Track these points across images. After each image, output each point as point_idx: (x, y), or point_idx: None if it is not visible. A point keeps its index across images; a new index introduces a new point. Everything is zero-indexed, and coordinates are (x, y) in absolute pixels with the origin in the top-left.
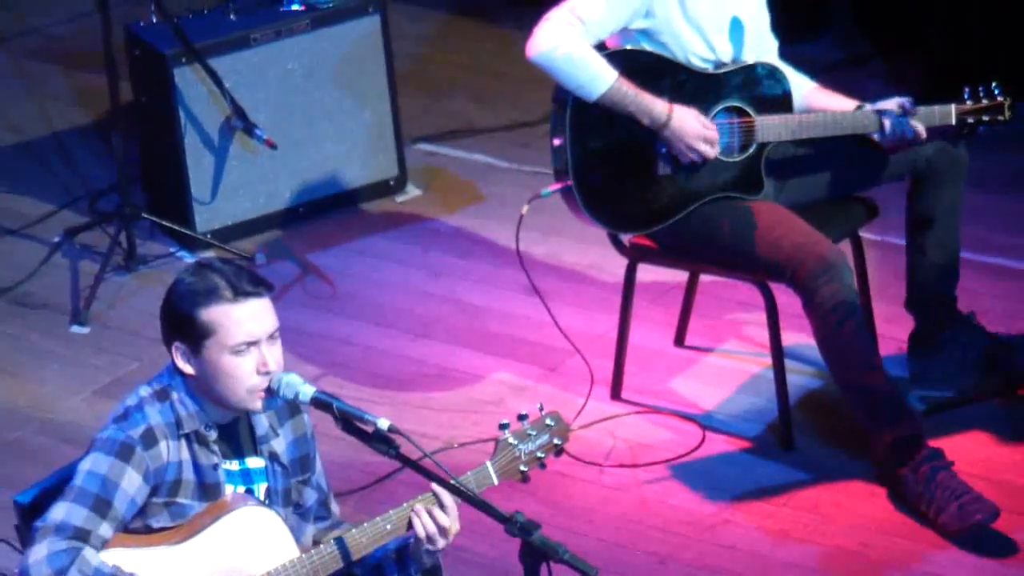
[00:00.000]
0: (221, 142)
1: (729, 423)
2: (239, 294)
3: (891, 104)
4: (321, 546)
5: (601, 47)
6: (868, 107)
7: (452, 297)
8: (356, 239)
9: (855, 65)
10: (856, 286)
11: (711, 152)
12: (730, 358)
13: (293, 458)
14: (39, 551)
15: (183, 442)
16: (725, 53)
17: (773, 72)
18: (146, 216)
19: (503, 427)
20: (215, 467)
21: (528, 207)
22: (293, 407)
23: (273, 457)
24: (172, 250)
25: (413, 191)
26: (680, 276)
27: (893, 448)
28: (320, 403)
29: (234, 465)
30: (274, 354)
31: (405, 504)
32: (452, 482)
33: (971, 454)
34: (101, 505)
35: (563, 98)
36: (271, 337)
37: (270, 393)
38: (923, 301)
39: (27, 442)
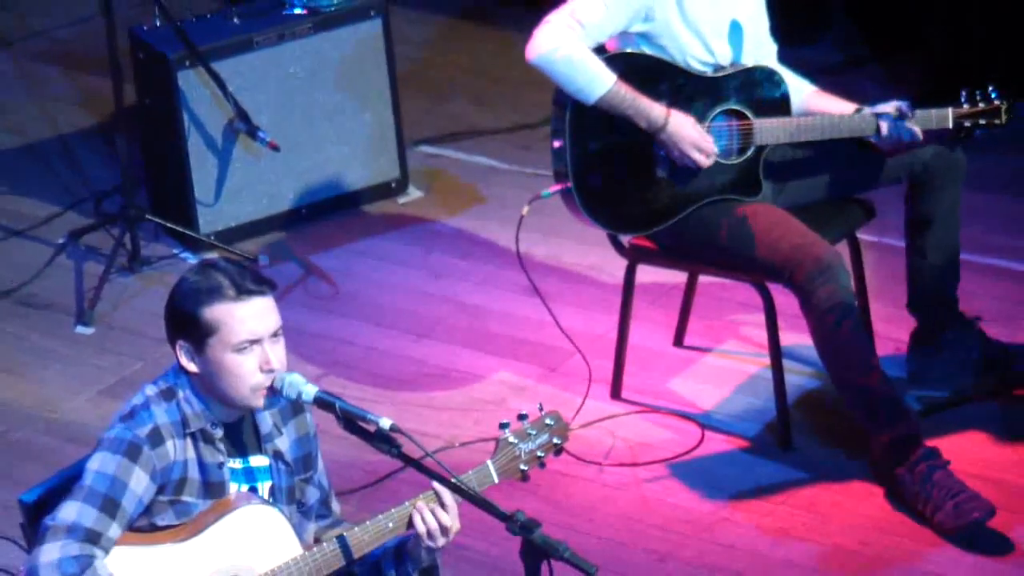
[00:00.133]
0: (224, 144)
1: (728, 423)
2: (242, 292)
3: (889, 107)
4: (324, 544)
5: (601, 50)
6: (866, 110)
7: (453, 297)
8: (358, 240)
9: (854, 68)
10: (853, 287)
11: (705, 161)
12: (729, 358)
13: (296, 457)
14: (50, 552)
15: (189, 441)
16: (724, 56)
17: (771, 75)
18: (150, 218)
19: (503, 426)
20: (220, 465)
21: (528, 208)
22: (296, 406)
23: (277, 455)
24: (176, 251)
25: (414, 193)
26: (679, 277)
27: (890, 447)
28: (323, 403)
29: (237, 464)
30: (277, 352)
31: (407, 502)
32: (453, 481)
33: (968, 454)
34: (110, 505)
35: (563, 101)
36: (274, 335)
37: (273, 392)
38: (924, 303)
39: (32, 442)
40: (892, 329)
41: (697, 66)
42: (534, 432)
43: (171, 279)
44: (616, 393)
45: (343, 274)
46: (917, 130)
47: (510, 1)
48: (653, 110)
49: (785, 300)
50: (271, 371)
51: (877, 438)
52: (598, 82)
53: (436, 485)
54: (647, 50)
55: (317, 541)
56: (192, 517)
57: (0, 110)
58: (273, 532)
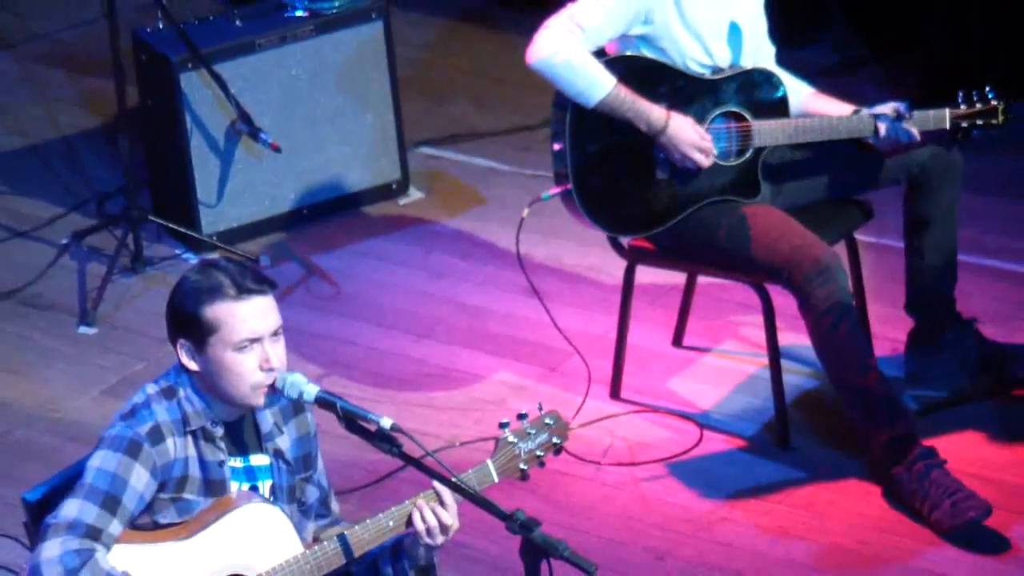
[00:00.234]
0: (226, 146)
1: (726, 422)
2: (243, 291)
3: (887, 108)
4: (324, 542)
5: (600, 53)
6: (864, 111)
7: (453, 298)
8: (359, 241)
9: (852, 69)
10: (851, 288)
11: (705, 162)
12: (727, 358)
13: (297, 456)
14: (51, 549)
15: (189, 439)
16: (723, 59)
17: (770, 77)
18: (152, 219)
19: (503, 426)
20: (221, 464)
21: (528, 210)
22: (297, 406)
23: (278, 454)
24: (178, 252)
25: (415, 194)
26: (678, 278)
27: (888, 447)
28: (324, 402)
29: (238, 462)
30: (277, 351)
31: (407, 501)
32: (453, 480)
33: (965, 453)
34: (111, 503)
35: (563, 103)
36: (274, 334)
37: (273, 390)
38: (923, 304)
39: (35, 441)
40: (889, 329)
41: (696, 68)
42: (534, 431)
43: (173, 280)
44: (615, 393)
45: (344, 275)
46: (915, 131)
47: (510, 3)
48: (653, 112)
49: (783, 300)
50: (271, 370)
51: (875, 437)
52: (598, 85)
53: (436, 484)
54: (647, 53)
55: (316, 540)
56: (193, 515)
57: (3, 111)
58: (274, 531)
